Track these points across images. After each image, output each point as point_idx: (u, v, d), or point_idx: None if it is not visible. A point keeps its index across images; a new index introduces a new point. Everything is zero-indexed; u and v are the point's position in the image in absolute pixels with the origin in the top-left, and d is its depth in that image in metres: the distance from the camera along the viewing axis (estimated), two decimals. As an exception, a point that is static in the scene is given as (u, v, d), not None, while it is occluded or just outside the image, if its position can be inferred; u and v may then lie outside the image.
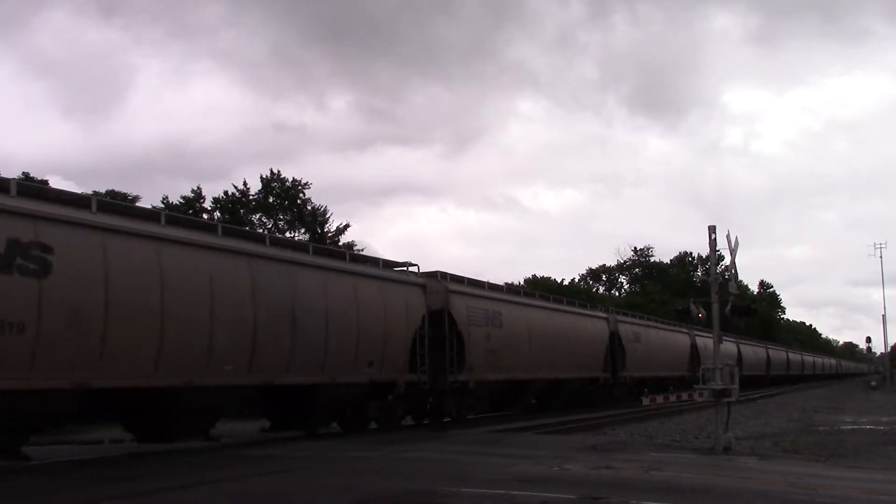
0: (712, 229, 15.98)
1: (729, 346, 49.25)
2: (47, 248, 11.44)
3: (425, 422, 21.90)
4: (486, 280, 25.78)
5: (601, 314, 33.35)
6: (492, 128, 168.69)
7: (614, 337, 32.93)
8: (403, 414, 20.79)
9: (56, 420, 14.23)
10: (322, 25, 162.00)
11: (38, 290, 11.29)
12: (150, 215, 14.68)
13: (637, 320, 37.53)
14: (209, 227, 15.96)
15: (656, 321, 41.07)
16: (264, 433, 17.75)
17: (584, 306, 33.17)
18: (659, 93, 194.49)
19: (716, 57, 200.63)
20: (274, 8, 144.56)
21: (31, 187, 13.32)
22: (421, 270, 21.41)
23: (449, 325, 21.10)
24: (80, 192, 14.05)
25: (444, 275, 22.26)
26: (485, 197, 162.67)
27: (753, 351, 60.01)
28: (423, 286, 20.70)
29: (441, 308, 21.04)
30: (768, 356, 65.18)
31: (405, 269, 21.11)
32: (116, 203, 17.16)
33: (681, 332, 42.60)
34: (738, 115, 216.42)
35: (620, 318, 34.96)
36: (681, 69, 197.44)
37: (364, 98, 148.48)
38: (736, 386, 15.49)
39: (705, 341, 40.86)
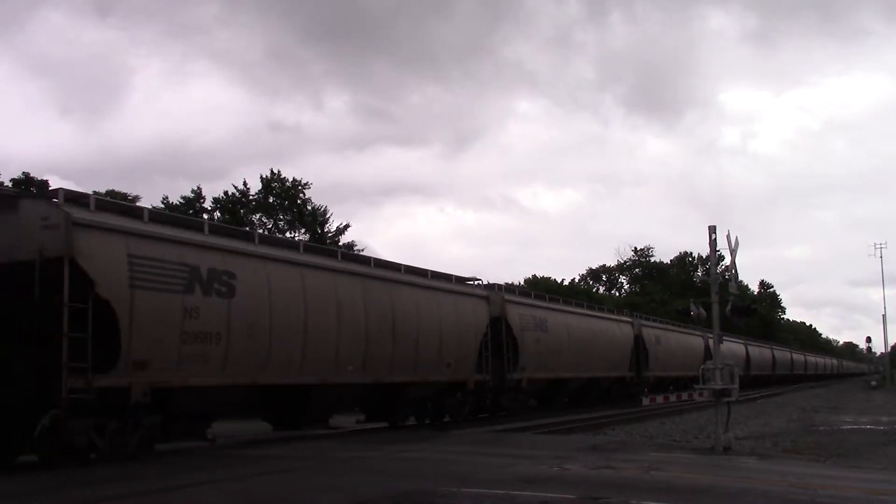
0: (712, 229, 15.97)
1: (736, 347, 50.61)
2: (232, 275, 14.52)
3: (482, 416, 24.00)
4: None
5: (627, 319, 36.62)
6: (490, 127, 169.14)
7: (638, 340, 36.12)
8: (471, 409, 23.11)
9: (229, 411, 16.81)
10: (318, 25, 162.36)
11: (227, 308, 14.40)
12: (291, 244, 18.52)
13: (658, 324, 40.75)
14: (332, 253, 19.52)
15: (674, 325, 43.07)
16: (360, 423, 20.85)
17: (612, 312, 37.19)
18: (656, 92, 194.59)
19: (713, 56, 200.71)
20: (270, 7, 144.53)
21: (220, 227, 17.71)
22: (478, 283, 24.66)
23: (505, 331, 24.17)
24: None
25: (500, 287, 26.44)
26: (484, 197, 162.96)
27: (760, 352, 61.86)
28: (486, 298, 23.70)
29: (499, 316, 24.00)
30: (773, 357, 66.03)
31: (472, 283, 24.40)
32: (270, 237, 22.87)
33: (695, 335, 44.51)
34: (736, 115, 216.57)
35: (644, 322, 38.26)
36: (679, 68, 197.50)
37: (362, 98, 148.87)
38: (736, 386, 15.48)
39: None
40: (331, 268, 17.78)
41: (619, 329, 34.78)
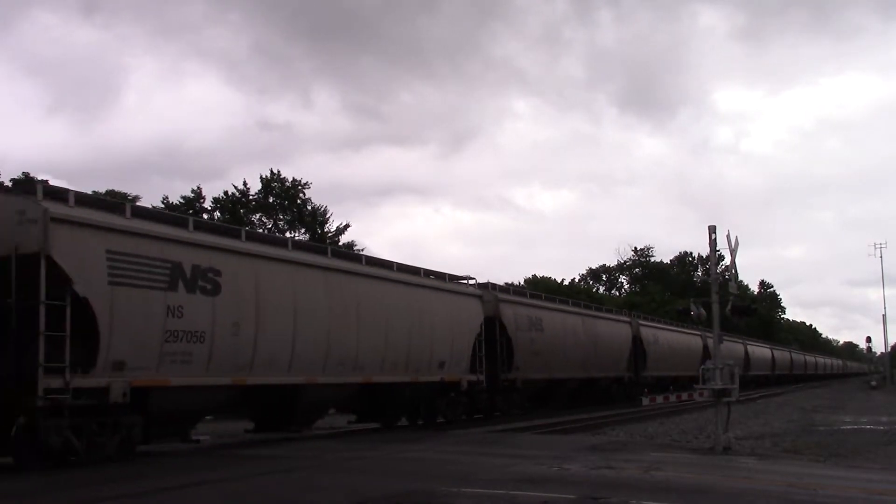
0: (712, 229, 15.96)
1: (736, 347, 50.90)
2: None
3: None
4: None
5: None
6: (485, 127, 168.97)
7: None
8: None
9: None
10: (310, 24, 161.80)
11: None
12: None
13: (656, 324, 40.97)
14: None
15: (672, 324, 43.05)
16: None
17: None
18: (649, 91, 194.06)
19: (704, 54, 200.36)
20: (259, 5, 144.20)
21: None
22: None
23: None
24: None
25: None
26: (481, 197, 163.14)
27: (759, 352, 62.26)
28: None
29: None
30: (773, 356, 66.69)
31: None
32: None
33: (694, 335, 44.50)
34: (735, 114, 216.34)
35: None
36: (670, 67, 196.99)
37: (358, 98, 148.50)
38: (736, 386, 15.47)
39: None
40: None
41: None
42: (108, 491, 9.86)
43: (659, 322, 41.53)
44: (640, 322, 37.67)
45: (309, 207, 42.59)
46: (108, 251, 12.43)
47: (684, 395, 19.37)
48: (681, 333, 43.02)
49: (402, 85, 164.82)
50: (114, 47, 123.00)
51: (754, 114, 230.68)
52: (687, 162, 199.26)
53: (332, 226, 43.09)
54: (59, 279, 11.70)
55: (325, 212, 43.05)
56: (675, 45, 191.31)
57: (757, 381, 57.61)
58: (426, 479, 10.54)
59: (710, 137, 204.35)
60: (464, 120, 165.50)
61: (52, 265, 11.63)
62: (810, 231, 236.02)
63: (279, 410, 16.76)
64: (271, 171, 42.50)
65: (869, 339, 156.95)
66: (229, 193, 41.19)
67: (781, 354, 73.18)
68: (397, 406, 20.49)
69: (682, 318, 36.80)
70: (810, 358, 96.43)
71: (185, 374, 13.53)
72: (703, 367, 16.05)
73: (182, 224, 14.83)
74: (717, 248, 15.97)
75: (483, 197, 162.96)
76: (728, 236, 15.93)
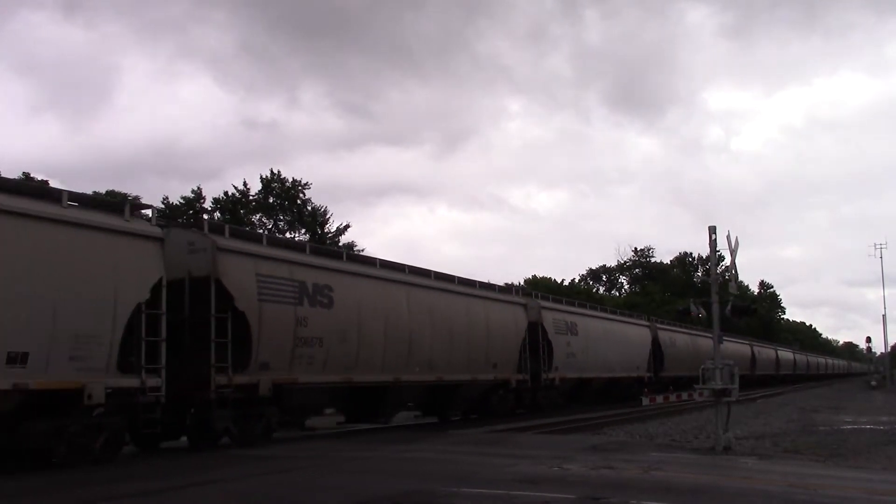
0: (712, 230, 15.95)
1: (743, 348, 52.33)
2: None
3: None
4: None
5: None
6: (478, 127, 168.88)
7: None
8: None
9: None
10: (293, 19, 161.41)
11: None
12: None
13: (672, 327, 42.90)
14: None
15: (687, 327, 44.31)
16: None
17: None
18: (638, 89, 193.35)
19: (694, 53, 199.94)
20: (242, 2, 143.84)
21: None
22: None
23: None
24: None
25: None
26: (478, 197, 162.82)
27: (765, 352, 63.15)
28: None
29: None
30: (777, 357, 67.19)
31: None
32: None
33: (706, 337, 44.36)
34: (725, 112, 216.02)
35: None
36: (661, 65, 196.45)
37: (348, 96, 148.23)
38: (736, 386, 15.47)
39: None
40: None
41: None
42: (109, 490, 9.87)
43: (675, 325, 43.60)
44: (658, 325, 40.22)
45: (309, 208, 42.62)
46: (257, 274, 15.45)
47: (684, 395, 19.36)
48: (695, 336, 44.71)
49: (393, 83, 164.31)
50: (101, 47, 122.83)
51: (745, 112, 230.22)
52: (679, 161, 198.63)
53: (332, 226, 43.15)
54: (224, 297, 14.50)
55: (325, 212, 43.10)
56: (663, 43, 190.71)
57: (762, 381, 59.68)
58: (426, 479, 10.55)
59: (702, 136, 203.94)
60: (455, 119, 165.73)
61: (219, 286, 14.45)
62: (806, 231, 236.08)
63: (368, 405, 19.32)
64: (271, 172, 42.63)
65: (869, 340, 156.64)
66: (229, 194, 41.24)
67: (785, 355, 74.20)
68: (457, 402, 23.29)
69: (682, 319, 37.41)
70: (816, 358, 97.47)
71: (309, 373, 16.30)
72: (703, 366, 16.06)
73: (300, 248, 18.38)
74: (717, 249, 15.97)
75: (477, 197, 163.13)
76: (728, 237, 15.95)
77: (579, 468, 11.83)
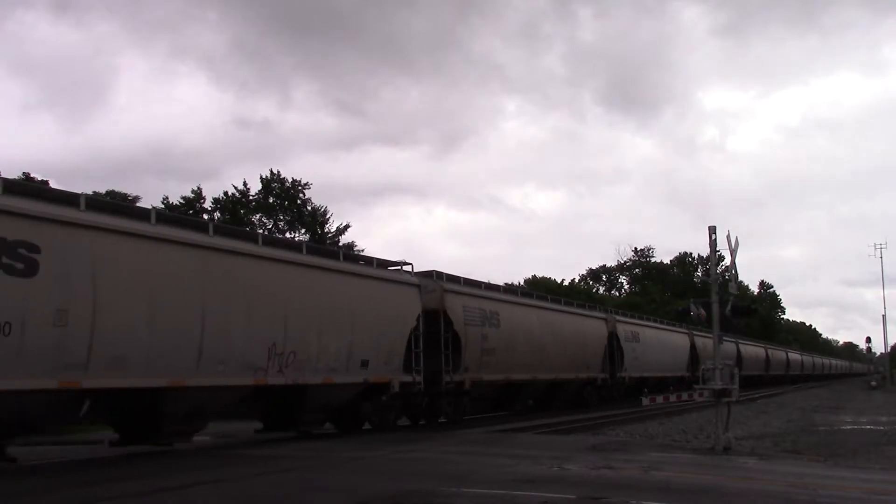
0: (712, 230, 15.94)
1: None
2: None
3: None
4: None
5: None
6: (477, 127, 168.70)
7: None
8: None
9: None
10: (286, 17, 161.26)
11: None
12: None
13: (636, 321, 37.58)
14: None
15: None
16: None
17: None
18: (632, 88, 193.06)
19: (687, 51, 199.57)
20: (246, 3, 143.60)
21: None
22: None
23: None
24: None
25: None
26: (476, 197, 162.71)
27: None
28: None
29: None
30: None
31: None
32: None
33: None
34: (720, 112, 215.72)
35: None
36: (656, 64, 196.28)
37: (347, 96, 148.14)
38: (736, 386, 15.46)
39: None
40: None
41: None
42: (107, 490, 9.85)
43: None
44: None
45: (309, 208, 42.59)
46: (463, 306, 22.48)
47: (684, 395, 19.34)
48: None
49: (388, 83, 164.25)
50: (95, 46, 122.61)
51: (740, 112, 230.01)
52: (675, 160, 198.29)
53: (332, 226, 43.11)
54: (447, 322, 21.69)
55: (325, 212, 43.06)
56: (657, 42, 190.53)
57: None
58: (426, 479, 10.54)
59: (697, 135, 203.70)
60: (451, 119, 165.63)
61: (445, 315, 21.59)
62: (804, 231, 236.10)
63: (511, 398, 27.38)
64: (271, 172, 42.54)
65: (869, 340, 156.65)
66: (229, 194, 41.21)
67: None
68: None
69: (682, 319, 36.58)
70: (817, 359, 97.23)
71: (489, 373, 23.46)
72: (703, 366, 16.04)
73: (477, 285, 24.83)
74: (717, 249, 15.96)
75: (475, 197, 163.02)
76: (728, 236, 15.93)
77: (579, 468, 11.83)
